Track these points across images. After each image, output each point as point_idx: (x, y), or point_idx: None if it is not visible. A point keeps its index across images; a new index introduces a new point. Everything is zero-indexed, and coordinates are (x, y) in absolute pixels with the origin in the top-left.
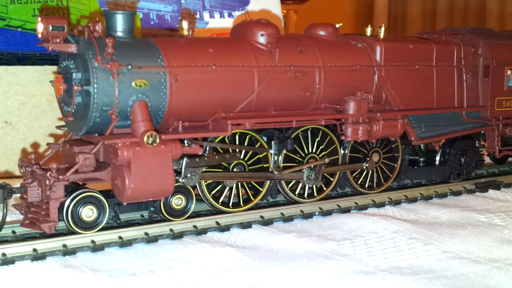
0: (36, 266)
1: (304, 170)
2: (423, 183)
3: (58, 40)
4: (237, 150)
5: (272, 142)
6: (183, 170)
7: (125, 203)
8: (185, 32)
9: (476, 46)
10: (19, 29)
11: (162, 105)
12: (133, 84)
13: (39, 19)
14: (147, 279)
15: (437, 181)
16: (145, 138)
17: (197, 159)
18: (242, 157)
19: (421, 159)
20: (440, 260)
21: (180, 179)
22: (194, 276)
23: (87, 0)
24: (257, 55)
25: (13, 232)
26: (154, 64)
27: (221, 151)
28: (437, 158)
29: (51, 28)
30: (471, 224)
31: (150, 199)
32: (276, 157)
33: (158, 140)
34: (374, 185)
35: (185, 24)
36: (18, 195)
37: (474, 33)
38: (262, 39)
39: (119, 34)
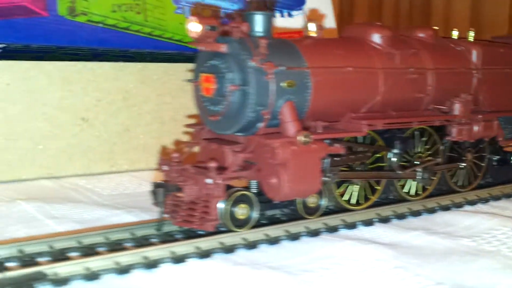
0: (205, 264)
1: (418, 170)
2: None
3: (209, 40)
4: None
5: (395, 142)
6: (326, 169)
7: (276, 201)
8: (313, 34)
9: None
10: (101, 25)
11: (305, 105)
12: (283, 84)
13: (193, 18)
14: (327, 274)
15: None
16: (301, 138)
17: (337, 159)
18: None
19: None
20: None
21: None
22: (367, 272)
23: None
24: (379, 57)
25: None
26: (299, 65)
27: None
28: None
29: (206, 28)
30: None
31: (301, 197)
32: (398, 157)
33: (311, 140)
34: (465, 184)
35: (312, 26)
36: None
37: None
38: (380, 41)
39: (259, 34)
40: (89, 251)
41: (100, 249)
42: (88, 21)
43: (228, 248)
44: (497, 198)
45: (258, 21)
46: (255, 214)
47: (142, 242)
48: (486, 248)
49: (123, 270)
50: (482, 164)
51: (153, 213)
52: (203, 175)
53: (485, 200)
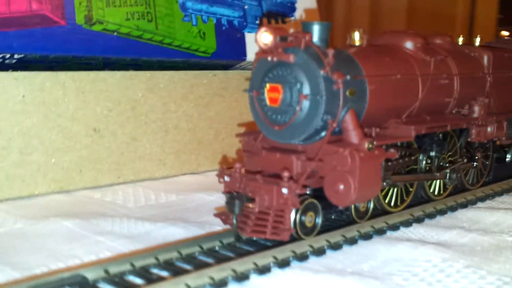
0: (288, 273)
1: (447, 171)
2: None
3: (279, 50)
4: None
5: (434, 145)
6: (382, 174)
7: (341, 207)
8: (357, 43)
9: None
10: (116, 33)
11: (362, 112)
12: (347, 93)
13: (265, 29)
14: (412, 278)
15: None
16: (367, 145)
17: (390, 163)
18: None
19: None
20: None
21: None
22: (445, 273)
23: (170, 5)
24: (417, 63)
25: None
26: (358, 73)
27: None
28: (509, 155)
29: (278, 39)
30: None
31: (365, 201)
32: (436, 159)
33: (374, 146)
34: (474, 182)
35: (357, 35)
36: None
37: None
38: (413, 48)
39: (318, 44)
40: (169, 267)
41: (178, 264)
42: (103, 30)
43: (301, 256)
44: (500, 193)
45: (317, 31)
46: (320, 221)
47: (214, 255)
48: None
49: (219, 284)
50: (487, 163)
51: (198, 224)
52: (275, 185)
53: (491, 196)
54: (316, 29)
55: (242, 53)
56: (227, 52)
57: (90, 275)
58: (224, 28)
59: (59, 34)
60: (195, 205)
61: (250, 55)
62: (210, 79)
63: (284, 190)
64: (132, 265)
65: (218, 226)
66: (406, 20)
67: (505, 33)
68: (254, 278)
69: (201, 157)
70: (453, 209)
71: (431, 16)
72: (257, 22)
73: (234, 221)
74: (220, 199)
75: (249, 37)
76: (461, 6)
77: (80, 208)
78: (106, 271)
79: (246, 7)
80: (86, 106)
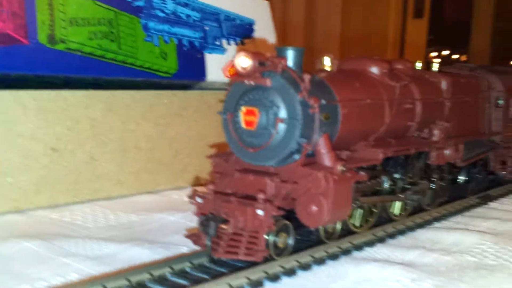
0: None
1: (409, 192)
2: None
3: (256, 74)
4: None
5: (398, 167)
6: (352, 195)
7: (312, 228)
8: (328, 67)
9: (490, 81)
10: (78, 53)
11: (334, 136)
12: (322, 117)
13: (244, 53)
14: None
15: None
16: (340, 167)
17: (359, 185)
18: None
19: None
20: None
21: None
22: None
23: (133, 25)
24: (384, 89)
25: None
26: (331, 98)
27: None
28: (461, 177)
29: (257, 63)
30: None
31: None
32: (400, 181)
33: (347, 169)
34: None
35: (327, 60)
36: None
37: (487, 69)
38: (380, 74)
39: (293, 68)
40: None
41: (150, 286)
42: (66, 49)
43: (273, 276)
44: (454, 214)
45: (291, 56)
46: (292, 242)
47: (186, 276)
48: (488, 262)
49: None
50: (443, 184)
51: (163, 244)
52: (250, 206)
53: (447, 217)
54: (290, 54)
55: (202, 74)
56: (188, 73)
57: None
58: (185, 48)
59: (21, 53)
60: (157, 225)
61: (210, 76)
62: (170, 99)
63: (260, 212)
64: (104, 286)
65: (184, 246)
66: (340, 41)
67: (434, 54)
68: None
69: (160, 177)
70: (412, 229)
71: (363, 37)
72: (217, 43)
73: (209, 243)
74: (182, 219)
75: (209, 58)
76: (392, 27)
77: (39, 229)
78: None
79: (206, 28)
80: (47, 125)
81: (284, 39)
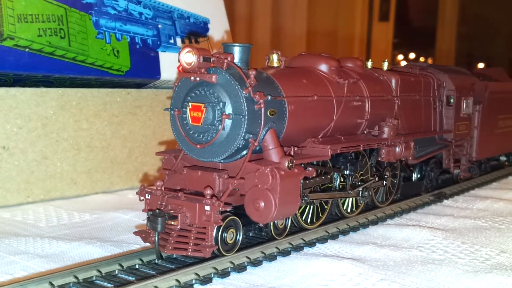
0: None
1: (360, 189)
2: None
3: (202, 70)
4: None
5: (348, 164)
6: (301, 191)
7: (261, 224)
8: (276, 64)
9: (442, 80)
10: (27, 50)
11: (281, 132)
12: (268, 113)
13: (189, 49)
14: None
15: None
16: (287, 163)
17: (307, 181)
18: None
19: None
20: None
21: None
22: (361, 286)
23: (84, 22)
24: (332, 86)
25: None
26: (278, 94)
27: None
28: (414, 175)
29: (202, 59)
30: None
31: (283, 219)
32: (350, 178)
33: (294, 165)
34: (383, 200)
35: (275, 57)
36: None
37: (438, 68)
38: (329, 71)
39: (239, 65)
40: (90, 286)
41: (98, 283)
42: (15, 46)
43: (222, 272)
44: (407, 211)
45: (238, 52)
46: (241, 238)
47: (134, 273)
48: (436, 257)
49: None
50: (395, 181)
51: (115, 242)
52: (198, 202)
53: (399, 214)
54: (237, 51)
55: (156, 72)
56: (141, 71)
57: None
58: (138, 46)
59: None
60: (110, 224)
61: (164, 74)
62: (124, 97)
63: (207, 208)
64: (51, 284)
65: (135, 244)
66: (306, 41)
67: (400, 57)
68: None
69: (114, 176)
70: (365, 226)
71: (330, 37)
72: (171, 41)
73: (156, 239)
74: (135, 218)
75: (163, 56)
76: (358, 28)
77: None
78: None
79: (160, 26)
80: None
81: (249, 38)
